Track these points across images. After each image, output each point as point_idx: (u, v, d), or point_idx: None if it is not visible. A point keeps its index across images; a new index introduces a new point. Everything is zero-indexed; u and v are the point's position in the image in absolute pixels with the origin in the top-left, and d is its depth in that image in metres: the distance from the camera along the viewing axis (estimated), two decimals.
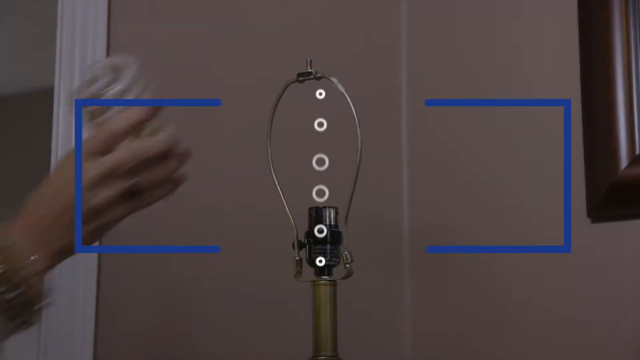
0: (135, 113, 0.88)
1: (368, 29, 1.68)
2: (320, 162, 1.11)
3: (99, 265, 1.32)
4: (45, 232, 0.84)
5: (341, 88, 1.11)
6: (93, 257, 1.31)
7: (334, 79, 1.12)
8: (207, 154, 1.21)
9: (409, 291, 1.62)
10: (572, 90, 1.40)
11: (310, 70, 1.12)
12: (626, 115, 1.32)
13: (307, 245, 1.10)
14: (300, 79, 1.13)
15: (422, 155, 1.60)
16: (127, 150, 0.87)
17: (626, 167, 1.31)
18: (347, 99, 1.11)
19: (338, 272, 1.10)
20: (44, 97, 1.40)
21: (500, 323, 1.47)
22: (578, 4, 1.40)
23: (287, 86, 1.14)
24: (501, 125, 1.51)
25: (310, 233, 1.10)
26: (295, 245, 1.12)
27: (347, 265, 1.09)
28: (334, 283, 1.09)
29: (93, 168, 0.85)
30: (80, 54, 1.34)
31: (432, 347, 1.58)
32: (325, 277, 1.09)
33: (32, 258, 0.82)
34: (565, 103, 1.40)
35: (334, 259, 1.09)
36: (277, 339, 1.43)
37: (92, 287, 1.30)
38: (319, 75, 1.12)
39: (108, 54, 1.36)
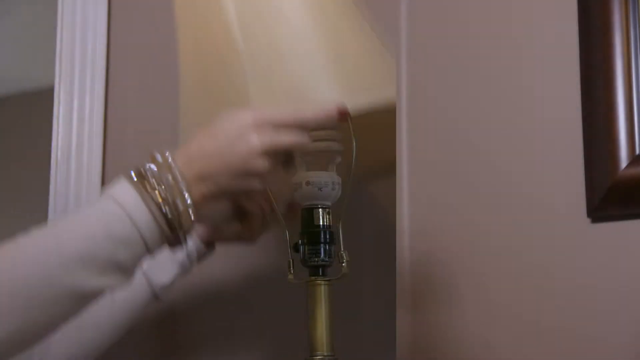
0: (331, 111, 1.00)
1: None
2: None
3: None
4: (205, 175, 0.94)
5: None
6: None
7: None
8: None
9: (407, 290, 1.62)
10: (572, 90, 1.40)
11: None
12: (626, 115, 1.32)
13: (302, 246, 1.10)
14: None
15: (422, 156, 1.60)
16: (301, 139, 0.98)
17: (626, 167, 1.31)
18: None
19: (333, 271, 1.10)
20: (44, 97, 1.40)
21: (499, 323, 1.47)
22: (578, 4, 1.40)
23: None
24: (501, 125, 1.51)
25: (303, 234, 1.10)
26: (289, 246, 1.11)
27: (343, 265, 1.09)
28: (329, 283, 1.09)
29: (267, 138, 0.95)
30: (80, 54, 1.34)
31: (429, 347, 1.58)
32: (320, 277, 1.09)
33: (189, 191, 0.92)
34: (566, 103, 1.40)
35: (328, 259, 1.09)
36: (274, 340, 1.43)
37: None
38: None
39: (108, 53, 1.36)
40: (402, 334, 1.60)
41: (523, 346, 1.43)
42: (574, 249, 1.38)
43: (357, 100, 1.02)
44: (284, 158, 1.00)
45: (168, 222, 0.90)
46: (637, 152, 1.31)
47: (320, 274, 1.09)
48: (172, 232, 0.91)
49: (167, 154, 0.94)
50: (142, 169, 0.93)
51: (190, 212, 0.92)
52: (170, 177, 0.92)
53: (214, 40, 1.11)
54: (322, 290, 1.10)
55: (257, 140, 0.94)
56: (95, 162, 1.33)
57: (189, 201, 0.92)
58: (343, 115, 1.00)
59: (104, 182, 1.34)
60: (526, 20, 1.50)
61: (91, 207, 0.91)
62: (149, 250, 0.90)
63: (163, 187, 0.91)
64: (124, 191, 0.91)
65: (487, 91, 1.54)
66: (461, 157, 1.55)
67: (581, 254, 1.37)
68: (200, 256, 1.15)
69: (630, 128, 1.32)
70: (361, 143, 1.08)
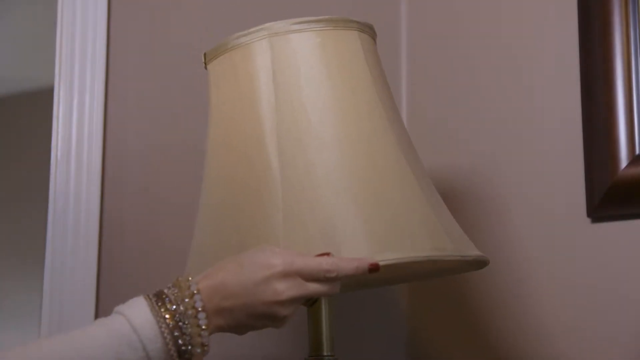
0: (363, 264, 0.98)
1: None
2: None
3: (99, 265, 1.32)
4: (226, 310, 0.93)
5: None
6: (93, 256, 1.31)
7: None
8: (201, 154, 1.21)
9: (405, 291, 1.62)
10: (572, 90, 1.40)
11: None
12: (626, 115, 1.32)
13: None
14: None
15: (422, 156, 1.60)
16: (329, 289, 0.97)
17: (626, 167, 1.31)
18: None
19: None
20: (44, 97, 1.40)
21: (498, 323, 1.47)
22: (578, 4, 1.40)
23: None
24: (501, 125, 1.51)
25: None
26: None
27: None
28: None
29: (294, 289, 0.95)
30: (80, 54, 1.34)
31: (428, 347, 1.58)
32: None
33: (206, 329, 0.91)
34: (566, 103, 1.40)
35: None
36: (274, 340, 1.43)
37: (92, 287, 1.30)
38: None
39: (108, 53, 1.36)
40: (400, 334, 1.60)
41: (522, 345, 1.43)
42: (574, 249, 1.38)
43: (388, 256, 1.01)
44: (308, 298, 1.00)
45: (179, 353, 0.90)
46: (637, 152, 1.31)
47: None
48: None
49: (190, 282, 0.93)
50: (163, 293, 0.92)
51: (205, 347, 0.92)
52: (190, 309, 0.91)
53: (247, 157, 1.09)
54: None
55: (284, 290, 0.94)
56: (95, 162, 1.33)
57: (204, 338, 0.92)
58: (373, 269, 0.99)
59: (103, 182, 1.34)
60: (526, 21, 1.50)
61: (105, 325, 0.90)
62: None
63: (181, 317, 0.91)
64: (141, 314, 0.90)
65: (488, 92, 1.54)
66: (461, 158, 1.55)
67: (581, 254, 1.37)
68: None
69: (630, 128, 1.32)
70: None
